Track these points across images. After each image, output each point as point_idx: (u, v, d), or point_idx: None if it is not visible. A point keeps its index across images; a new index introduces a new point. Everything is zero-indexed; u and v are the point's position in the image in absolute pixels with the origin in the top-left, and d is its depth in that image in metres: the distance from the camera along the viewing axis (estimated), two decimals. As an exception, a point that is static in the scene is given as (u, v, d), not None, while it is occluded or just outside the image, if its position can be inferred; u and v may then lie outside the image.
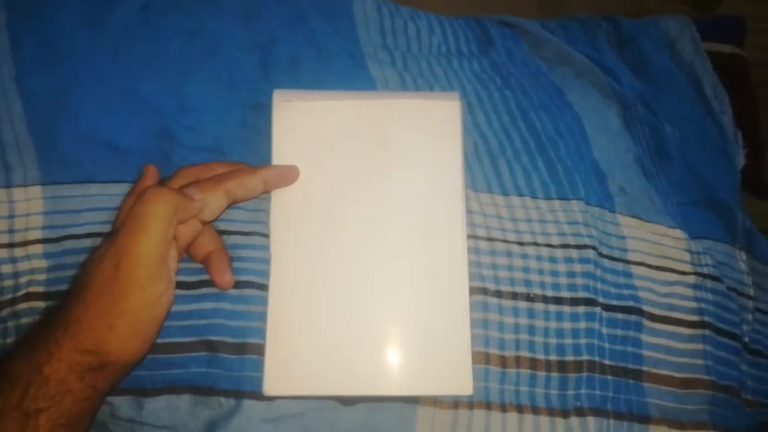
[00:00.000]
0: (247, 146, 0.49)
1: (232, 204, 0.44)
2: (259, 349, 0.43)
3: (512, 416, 0.45)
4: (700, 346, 0.50)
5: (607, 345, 0.48)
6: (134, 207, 0.37)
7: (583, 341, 0.47)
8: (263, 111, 0.49)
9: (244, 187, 0.43)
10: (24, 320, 0.43)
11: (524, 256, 0.49)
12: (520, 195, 0.52)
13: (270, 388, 0.42)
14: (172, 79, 0.51)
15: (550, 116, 0.56)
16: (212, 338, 0.43)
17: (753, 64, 0.77)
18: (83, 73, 0.49)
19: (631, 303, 0.50)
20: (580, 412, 0.46)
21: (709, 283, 0.52)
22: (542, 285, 0.48)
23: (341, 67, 0.55)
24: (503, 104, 0.56)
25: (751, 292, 0.55)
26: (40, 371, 0.34)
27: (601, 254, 0.50)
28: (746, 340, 0.53)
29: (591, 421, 0.46)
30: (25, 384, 0.34)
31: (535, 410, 0.45)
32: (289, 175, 0.46)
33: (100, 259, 0.36)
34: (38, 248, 0.44)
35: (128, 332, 0.36)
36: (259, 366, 0.43)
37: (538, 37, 0.63)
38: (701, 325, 0.50)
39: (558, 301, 0.48)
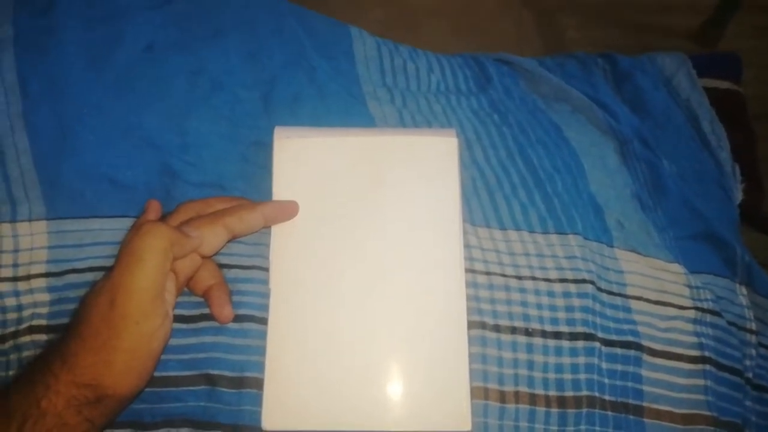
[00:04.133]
0: (248, 182, 0.50)
1: (232, 239, 0.44)
2: (258, 384, 0.43)
3: (511, 452, 0.44)
4: (701, 382, 0.49)
5: (606, 380, 0.48)
6: (130, 242, 0.38)
7: (582, 376, 0.47)
8: (264, 147, 0.50)
9: (243, 223, 0.43)
10: (26, 353, 0.43)
11: (522, 291, 0.49)
12: (518, 229, 0.52)
13: (268, 423, 0.42)
14: (175, 116, 0.52)
15: (548, 152, 0.57)
16: (211, 372, 0.43)
17: (752, 97, 0.77)
18: (87, 110, 0.50)
19: (630, 338, 0.49)
20: (580, 449, 0.45)
21: (708, 318, 0.52)
22: (540, 319, 0.48)
23: (341, 105, 0.56)
24: (501, 140, 0.57)
25: (753, 326, 0.55)
26: (37, 405, 0.34)
27: (599, 289, 0.50)
28: (749, 375, 0.53)
29: (591, 457, 0.45)
30: (22, 418, 0.34)
31: (534, 446, 0.45)
32: (289, 211, 0.47)
33: (96, 294, 0.37)
34: (42, 282, 0.45)
35: (124, 367, 0.37)
36: (257, 400, 0.43)
37: (535, 74, 0.65)
38: (702, 360, 0.50)
39: (557, 335, 0.48)
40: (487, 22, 1.40)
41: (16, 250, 0.45)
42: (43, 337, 0.43)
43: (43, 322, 0.44)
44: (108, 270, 0.39)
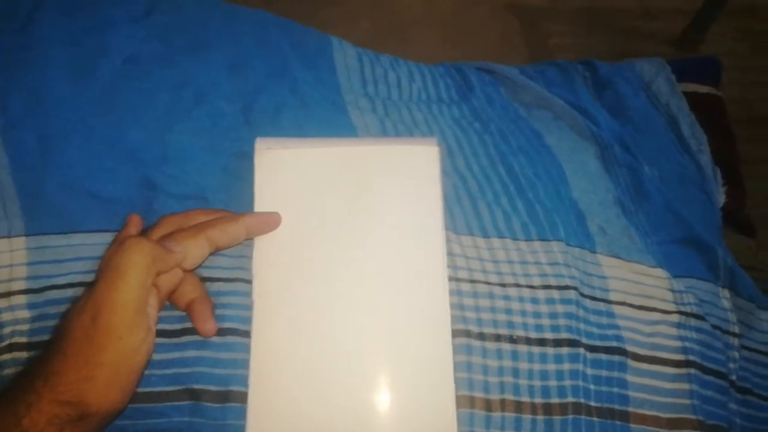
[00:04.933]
0: (230, 194, 0.50)
1: (215, 252, 0.44)
2: (243, 397, 0.43)
3: (498, 461, 0.44)
4: (686, 386, 0.49)
5: (592, 386, 0.48)
6: (112, 257, 0.38)
7: (567, 383, 0.47)
8: (246, 159, 0.50)
9: (226, 235, 0.43)
10: (6, 371, 0.43)
11: (506, 298, 0.49)
12: (501, 237, 0.52)
13: (253, 436, 0.42)
14: (156, 128, 0.51)
15: (529, 159, 0.57)
16: (195, 387, 0.43)
17: (732, 100, 0.78)
18: (69, 125, 0.50)
19: (614, 343, 0.50)
20: (566, 456, 0.45)
21: (692, 322, 0.52)
22: (525, 326, 0.48)
23: (323, 115, 0.56)
24: (483, 148, 0.58)
25: (736, 329, 0.55)
26: (19, 423, 0.34)
27: (582, 295, 0.51)
28: (733, 378, 0.53)
29: (578, 464, 0.45)
30: None
31: (521, 454, 0.45)
32: (272, 222, 0.47)
33: (79, 310, 0.37)
34: (21, 299, 0.44)
35: (107, 383, 0.36)
36: (242, 414, 0.43)
37: (516, 82, 0.65)
38: (686, 364, 0.50)
39: (541, 342, 0.48)
40: (473, 31, 1.41)
41: (-5, 267, 0.45)
42: (23, 355, 0.43)
43: (23, 339, 0.43)
44: (89, 285, 0.39)
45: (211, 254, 0.44)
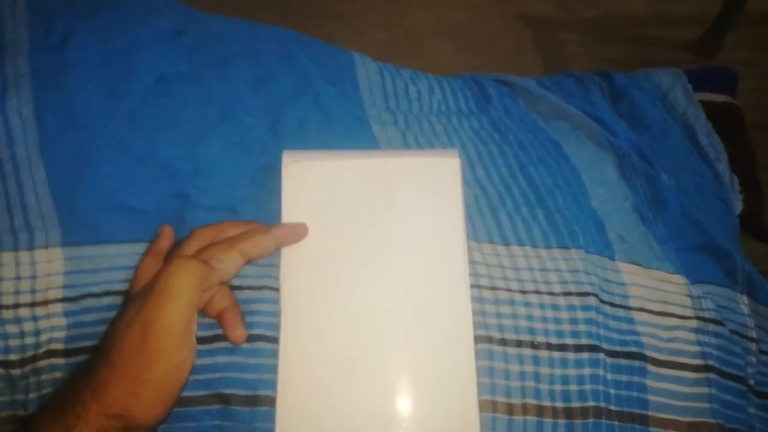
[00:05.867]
0: (258, 205, 0.51)
1: (247, 263, 0.46)
2: (271, 401, 0.44)
3: (520, 464, 0.45)
4: (705, 390, 0.50)
5: (612, 391, 0.49)
6: (162, 276, 0.39)
7: (588, 387, 0.48)
8: (273, 171, 0.51)
9: (257, 247, 0.45)
10: (44, 377, 0.44)
11: (527, 305, 0.50)
12: (521, 245, 0.53)
13: (282, 439, 0.43)
14: (187, 144, 0.53)
15: (548, 169, 0.58)
16: (225, 391, 0.44)
17: (750, 107, 0.79)
18: (102, 140, 0.52)
19: (634, 348, 0.50)
20: (588, 459, 0.46)
21: (711, 327, 0.53)
22: (546, 332, 0.49)
23: (346, 129, 0.57)
24: (502, 159, 0.59)
25: (754, 334, 0.56)
26: None
27: (602, 301, 0.51)
28: (752, 382, 0.53)
29: (599, 467, 0.46)
30: None
31: (543, 458, 0.46)
32: (299, 233, 0.49)
33: (127, 325, 0.38)
34: (58, 307, 0.46)
35: (153, 398, 0.38)
36: (271, 418, 0.44)
37: (533, 93, 0.66)
38: (705, 368, 0.51)
39: (562, 348, 0.49)
40: (488, 41, 1.43)
41: (33, 277, 0.46)
42: (60, 361, 0.44)
43: (60, 346, 0.45)
44: (136, 299, 0.40)
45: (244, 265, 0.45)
